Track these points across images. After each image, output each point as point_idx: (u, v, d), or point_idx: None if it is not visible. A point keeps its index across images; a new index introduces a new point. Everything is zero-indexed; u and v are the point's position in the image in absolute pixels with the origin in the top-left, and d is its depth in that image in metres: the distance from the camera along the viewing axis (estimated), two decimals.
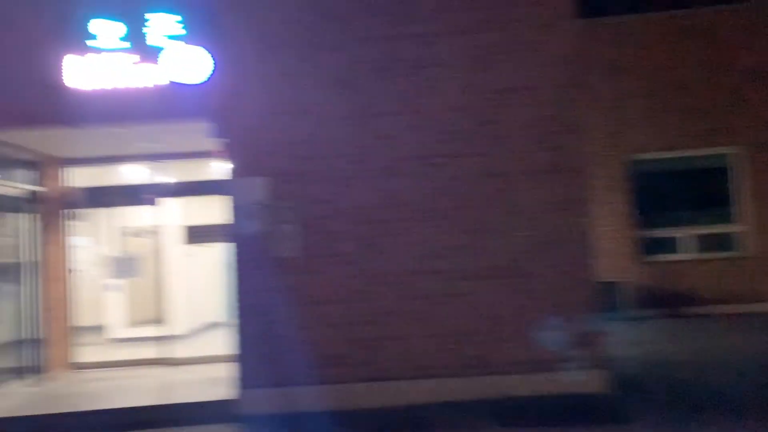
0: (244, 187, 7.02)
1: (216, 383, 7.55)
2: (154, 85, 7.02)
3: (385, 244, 6.98)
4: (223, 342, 8.01)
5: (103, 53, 6.98)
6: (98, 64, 6.96)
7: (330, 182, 6.99)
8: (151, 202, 9.34)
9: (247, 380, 6.82)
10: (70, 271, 9.21)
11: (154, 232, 9.98)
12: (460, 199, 7.00)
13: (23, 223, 8.52)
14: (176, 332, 9.90)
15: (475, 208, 6.99)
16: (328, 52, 7.05)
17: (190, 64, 7.00)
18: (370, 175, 7.01)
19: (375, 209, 6.99)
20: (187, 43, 7.03)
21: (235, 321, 6.97)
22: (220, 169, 7.41)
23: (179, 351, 9.45)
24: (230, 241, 7.07)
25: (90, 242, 11.06)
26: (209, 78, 7.02)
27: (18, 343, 8.34)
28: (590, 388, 6.66)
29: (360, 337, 6.89)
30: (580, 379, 6.67)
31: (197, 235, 9.66)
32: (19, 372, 8.24)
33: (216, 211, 9.22)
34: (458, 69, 7.06)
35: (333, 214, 6.98)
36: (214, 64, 7.02)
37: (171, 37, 7.04)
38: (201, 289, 11.79)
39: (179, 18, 7.04)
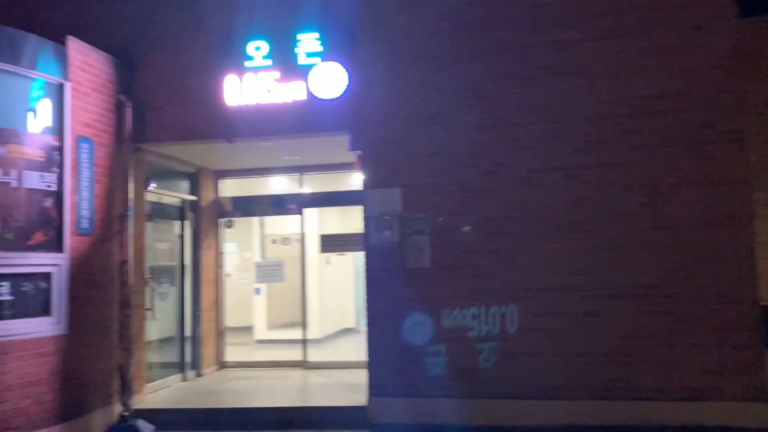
0: (377, 198, 7.15)
1: (350, 389, 7.74)
2: (296, 101, 7.38)
3: (520, 258, 6.78)
4: (357, 348, 8.18)
5: (254, 72, 7.44)
6: (250, 82, 7.45)
7: (464, 193, 6.93)
8: (294, 211, 9.81)
9: (377, 388, 6.91)
10: (222, 275, 9.90)
11: (295, 240, 10.46)
12: (602, 212, 6.64)
13: (182, 229, 9.29)
14: (313, 336, 10.30)
15: (618, 222, 6.60)
16: (462, 63, 7.01)
17: (327, 79, 7.29)
18: (504, 186, 6.85)
19: (509, 221, 6.82)
20: (324, 59, 7.32)
21: (366, 328, 7.10)
22: (356, 180, 7.61)
23: (316, 355, 9.81)
24: (363, 250, 7.22)
25: (239, 248, 11.85)
26: (345, 92, 7.26)
27: (177, 340, 9.10)
28: (750, 422, 6.01)
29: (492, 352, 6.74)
30: (738, 411, 6.05)
31: (332, 243, 9.99)
32: (177, 367, 8.98)
33: (351, 220, 9.49)
34: (600, 76, 6.72)
35: (463, 225, 6.90)
36: (350, 78, 7.25)
37: (310, 54, 7.37)
38: (336, 296, 12.22)
39: (317, 35, 7.34)
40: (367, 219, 7.17)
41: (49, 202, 6.45)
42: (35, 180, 6.30)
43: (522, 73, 6.89)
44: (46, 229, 6.41)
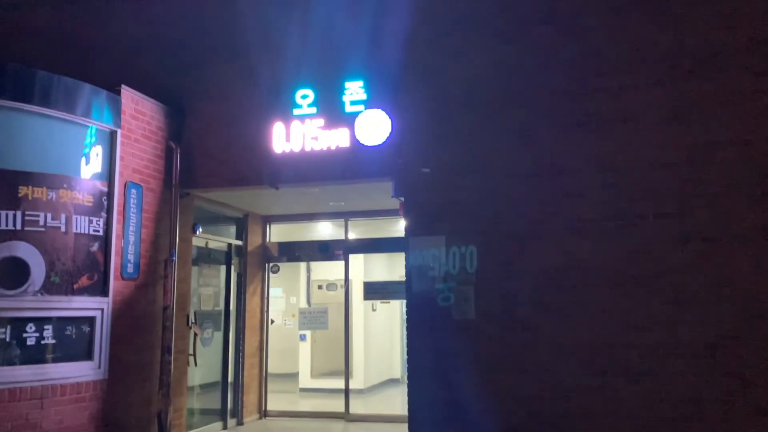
0: (419, 245, 6.97)
1: None
2: (341, 147, 7.35)
3: (571, 312, 6.43)
4: (402, 401, 7.90)
5: (300, 119, 7.49)
6: (296, 130, 7.49)
7: (511, 242, 6.67)
8: (339, 257, 9.72)
9: None
10: (267, 320, 9.83)
11: (340, 287, 10.34)
12: (658, 264, 6.25)
13: (227, 274, 9.31)
14: (357, 386, 10.05)
15: (676, 275, 6.19)
16: (508, 109, 6.85)
17: (372, 126, 7.25)
18: (554, 235, 6.57)
19: (560, 273, 6.51)
20: (369, 106, 7.31)
21: (409, 381, 6.83)
22: (401, 226, 7.47)
23: (359, 406, 9.54)
24: (405, 299, 7.02)
25: (285, 293, 11.82)
26: (389, 138, 7.19)
27: (219, 386, 9.01)
28: None
29: (541, 412, 6.35)
30: None
31: (376, 291, 9.83)
32: (218, 414, 8.87)
33: (397, 267, 9.30)
34: (655, 123, 6.43)
35: (513, 277, 6.61)
36: (394, 125, 7.20)
37: (354, 102, 7.37)
38: (381, 345, 11.96)
39: (361, 83, 7.35)
40: (410, 267, 6.98)
41: (95, 247, 6.54)
42: (83, 225, 6.42)
43: (571, 119, 6.67)
44: (92, 273, 6.49)
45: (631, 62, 6.56)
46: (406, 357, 7.53)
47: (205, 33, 8.05)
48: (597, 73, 6.65)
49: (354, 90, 7.39)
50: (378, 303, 11.53)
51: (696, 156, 6.28)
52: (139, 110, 7.24)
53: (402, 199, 7.21)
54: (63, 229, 6.22)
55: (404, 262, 7.06)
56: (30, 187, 6.03)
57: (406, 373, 7.30)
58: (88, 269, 6.45)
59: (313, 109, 7.48)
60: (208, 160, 7.80)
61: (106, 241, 6.65)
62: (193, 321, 8.09)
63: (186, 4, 8.26)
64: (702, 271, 6.13)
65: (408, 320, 6.94)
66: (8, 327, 5.80)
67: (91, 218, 6.51)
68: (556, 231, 6.57)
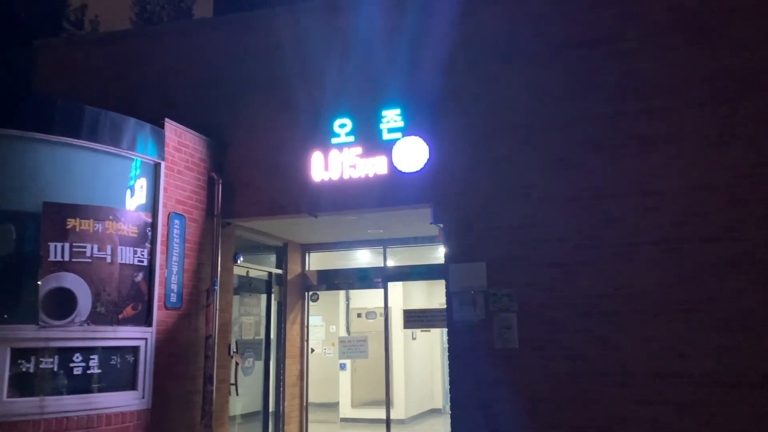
0: (460, 273, 6.90)
1: None
2: (378, 175, 7.37)
3: (618, 340, 6.26)
4: (443, 431, 7.75)
5: (338, 148, 7.55)
6: (335, 159, 7.55)
7: (553, 268, 6.55)
8: (378, 285, 9.67)
9: None
10: (307, 349, 9.83)
11: (380, 315, 10.28)
12: (707, 289, 6.06)
13: (268, 303, 9.36)
14: (398, 416, 9.91)
15: (727, 301, 5.99)
16: (547, 133, 6.80)
17: (409, 153, 7.26)
18: (598, 261, 6.43)
19: (604, 299, 6.35)
20: (406, 133, 7.32)
21: (452, 411, 6.70)
22: (440, 253, 7.42)
23: None
24: (446, 327, 6.93)
25: (324, 322, 11.80)
26: (427, 165, 7.18)
27: (260, 416, 9.01)
28: None
29: None
30: None
31: (415, 319, 9.71)
32: None
33: (436, 295, 9.20)
34: (699, 144, 6.29)
35: (556, 304, 6.49)
36: (431, 151, 7.19)
37: (391, 130, 7.40)
38: (422, 374, 11.80)
39: (398, 111, 7.38)
40: (450, 294, 6.91)
41: (139, 277, 6.65)
42: (128, 255, 6.54)
43: (612, 142, 6.58)
44: (136, 303, 6.59)
45: (673, 84, 6.46)
46: (448, 387, 7.41)
47: (243, 66, 8.23)
48: (637, 95, 6.56)
49: (391, 118, 7.43)
50: (418, 331, 11.41)
51: (742, 177, 6.11)
52: (182, 143, 7.41)
53: (441, 225, 7.17)
54: (109, 260, 6.35)
55: (444, 290, 6.99)
56: (78, 219, 6.20)
57: (449, 403, 7.17)
58: (133, 299, 6.56)
59: (351, 138, 7.54)
60: (248, 190, 7.91)
61: (150, 271, 6.76)
62: (235, 350, 8.12)
63: (224, 38, 8.48)
64: (754, 296, 5.91)
65: (450, 349, 6.85)
66: (56, 357, 5.92)
67: (135, 249, 6.64)
68: (599, 256, 6.44)
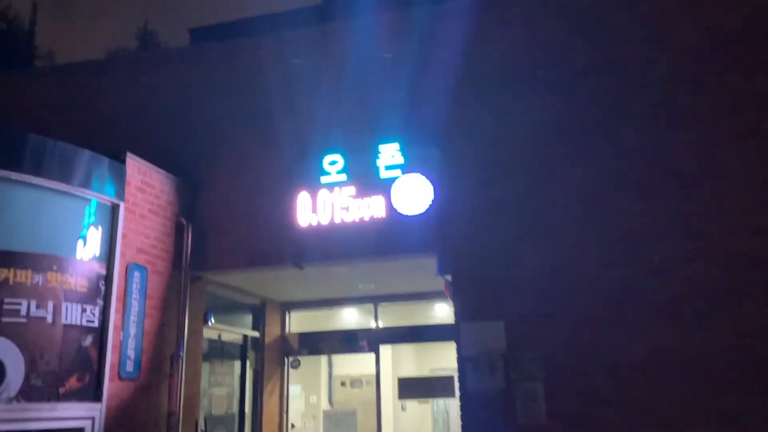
0: (474, 333, 5.87)
1: None
2: (375, 218, 6.40)
3: (666, 411, 5.24)
4: None
5: (329, 188, 6.58)
6: (324, 200, 6.56)
7: (584, 327, 5.56)
8: (369, 350, 8.53)
9: None
10: (287, 425, 8.55)
11: (367, 382, 9.12)
12: None
13: (242, 371, 8.15)
14: None
15: None
16: (571, 169, 5.95)
17: (410, 193, 6.32)
18: (638, 318, 5.47)
19: (647, 364, 5.36)
20: (406, 171, 6.41)
21: None
22: (441, 312, 6.38)
23: None
24: (451, 397, 5.82)
25: (303, 392, 10.51)
26: (431, 207, 6.24)
27: None
28: None
29: None
30: None
31: (413, 388, 8.54)
32: None
33: (430, 360, 8.18)
34: (750, 180, 5.47)
35: (591, 370, 5.46)
36: (436, 191, 6.26)
37: (389, 167, 6.48)
38: None
39: (398, 146, 6.47)
40: (463, 360, 5.86)
41: (88, 341, 5.48)
42: (75, 314, 5.39)
43: (647, 179, 5.73)
44: (82, 373, 5.40)
45: (715, 112, 5.70)
46: None
47: (221, 99, 7.33)
48: (674, 126, 5.77)
49: (389, 153, 6.51)
50: (412, 403, 10.17)
51: None
52: (146, 182, 6.38)
53: (449, 277, 6.17)
54: (49, 319, 5.18)
55: (441, 354, 5.92)
56: (12, 269, 5.06)
57: None
58: (79, 368, 5.36)
59: (343, 176, 6.57)
60: (223, 238, 6.85)
61: (101, 333, 5.60)
62: (203, 428, 6.87)
63: (200, 70, 7.59)
64: None
65: (463, 425, 5.73)
66: None
67: (84, 306, 5.48)
68: (639, 313, 5.50)
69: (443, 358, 11.07)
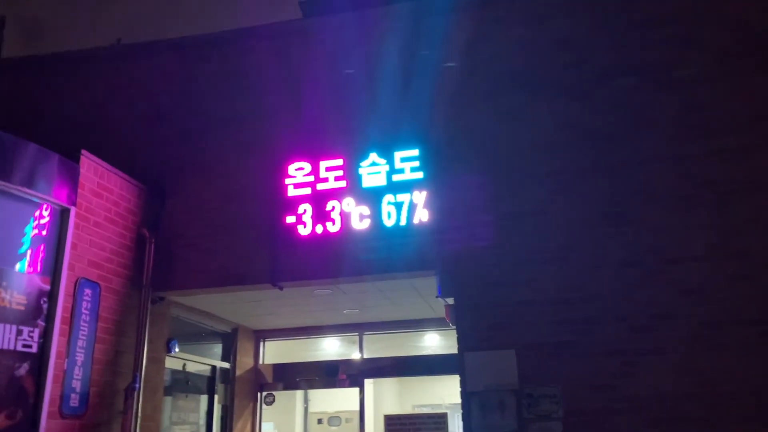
0: (479, 364, 5.12)
1: None
2: (363, 230, 5.63)
3: None
4: None
5: (311, 199, 5.81)
6: (316, 209, 5.76)
7: (610, 358, 4.83)
8: (352, 384, 7.67)
9: None
10: None
11: (346, 420, 8.25)
12: None
13: (210, 407, 7.21)
14: None
15: None
16: (590, 180, 5.30)
17: (407, 204, 5.58)
18: (671, 348, 4.78)
19: (684, 400, 4.67)
20: (404, 179, 5.67)
21: None
22: (430, 343, 5.59)
23: None
24: None
25: (278, 430, 9.55)
26: (431, 220, 5.50)
27: None
28: None
29: None
30: None
31: (402, 427, 7.65)
32: None
33: (405, 396, 7.37)
34: None
35: (619, 407, 4.72)
36: (437, 202, 5.53)
37: (389, 173, 5.73)
38: None
39: (395, 152, 5.74)
40: (468, 395, 5.09)
41: (23, 369, 4.58)
42: (7, 337, 4.50)
43: (677, 191, 5.11)
44: (14, 408, 4.49)
45: (752, 117, 5.10)
46: None
47: (194, 99, 6.55)
48: (706, 133, 5.18)
49: (381, 161, 5.77)
50: None
51: None
52: (104, 185, 5.54)
53: (450, 300, 5.41)
54: None
55: (433, 389, 5.15)
56: None
57: None
58: (9, 403, 4.46)
59: (342, 183, 5.79)
60: (191, 253, 6.00)
61: (41, 361, 4.70)
62: None
63: (171, 66, 6.82)
64: None
65: None
66: None
67: (20, 328, 4.59)
68: (672, 342, 4.82)
69: (428, 394, 10.23)
